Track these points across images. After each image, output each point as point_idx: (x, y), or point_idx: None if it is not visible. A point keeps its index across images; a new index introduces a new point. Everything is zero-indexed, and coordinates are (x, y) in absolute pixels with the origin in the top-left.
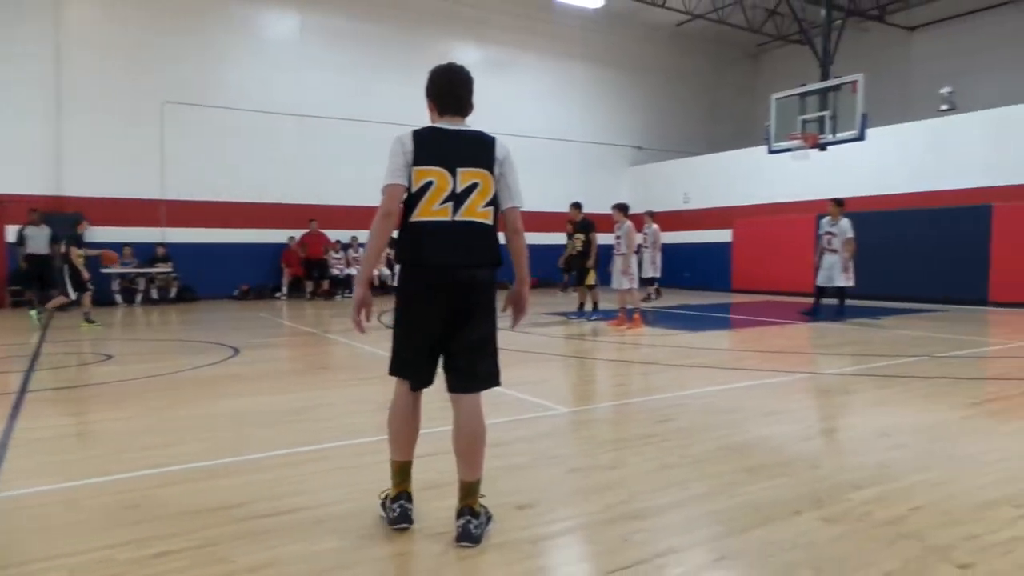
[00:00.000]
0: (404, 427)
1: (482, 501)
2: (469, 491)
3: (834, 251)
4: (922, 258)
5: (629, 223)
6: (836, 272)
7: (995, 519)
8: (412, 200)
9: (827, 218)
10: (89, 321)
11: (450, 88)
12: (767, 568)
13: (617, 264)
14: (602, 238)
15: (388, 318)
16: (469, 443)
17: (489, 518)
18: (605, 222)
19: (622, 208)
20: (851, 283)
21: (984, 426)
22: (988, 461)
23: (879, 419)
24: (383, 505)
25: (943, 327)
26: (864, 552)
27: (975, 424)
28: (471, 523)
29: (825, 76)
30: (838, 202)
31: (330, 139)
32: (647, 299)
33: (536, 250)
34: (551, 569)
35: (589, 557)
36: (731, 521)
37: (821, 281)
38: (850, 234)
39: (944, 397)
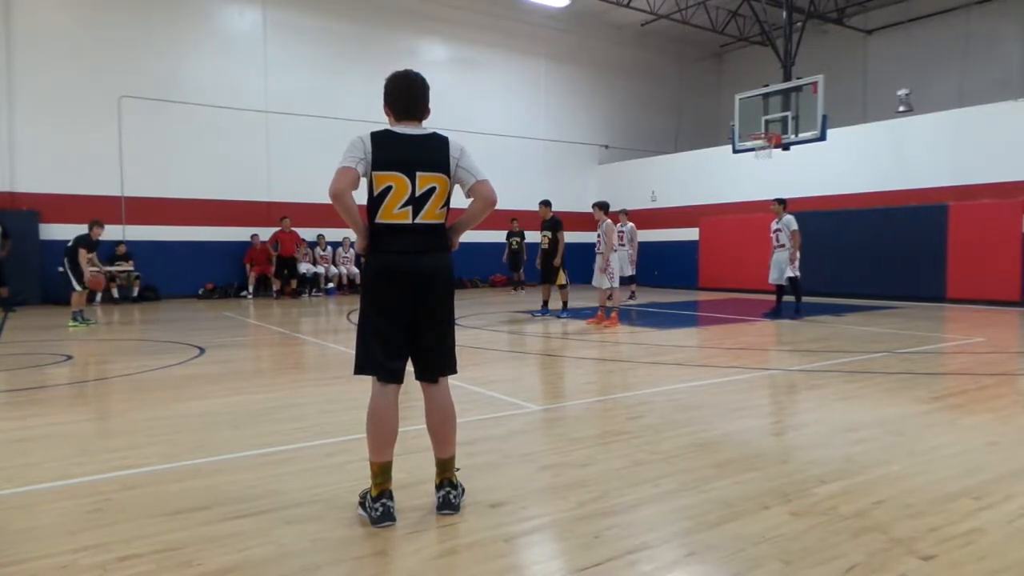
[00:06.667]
0: (381, 428)
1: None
2: (446, 466)
3: (782, 246)
4: (881, 256)
5: (608, 221)
6: (785, 266)
7: (956, 511)
8: (374, 203)
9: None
10: (83, 320)
11: (406, 94)
12: (737, 562)
13: (598, 262)
14: (570, 236)
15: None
16: (442, 422)
17: (463, 490)
18: (574, 220)
19: (602, 206)
20: (798, 273)
21: (944, 420)
22: (949, 454)
23: (843, 414)
24: (363, 505)
25: (903, 324)
26: (831, 545)
27: (935, 418)
28: (451, 494)
29: (787, 77)
30: (780, 201)
31: (295, 136)
32: (631, 297)
33: (502, 249)
34: (525, 567)
35: (561, 554)
36: (701, 516)
37: (773, 279)
38: (794, 227)
39: (905, 392)
